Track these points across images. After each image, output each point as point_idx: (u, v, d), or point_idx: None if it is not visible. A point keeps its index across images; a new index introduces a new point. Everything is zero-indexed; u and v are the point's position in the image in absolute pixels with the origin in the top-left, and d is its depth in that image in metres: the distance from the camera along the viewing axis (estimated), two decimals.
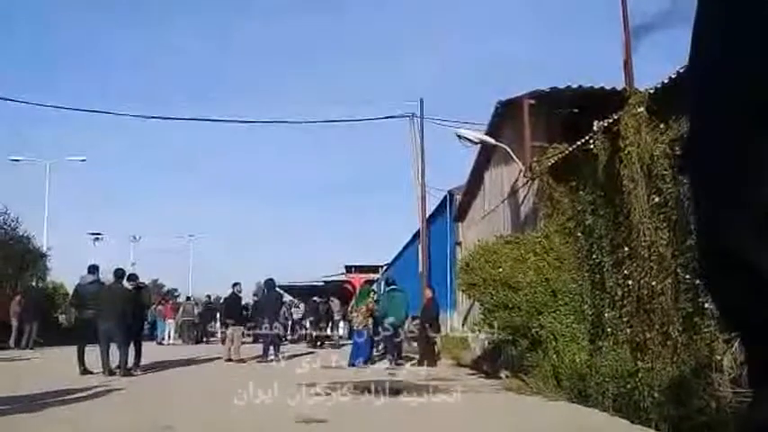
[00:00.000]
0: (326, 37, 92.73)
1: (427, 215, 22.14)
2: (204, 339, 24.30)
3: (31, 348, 19.40)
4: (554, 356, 8.75)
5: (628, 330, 7.54)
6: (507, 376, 10.12)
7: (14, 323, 20.32)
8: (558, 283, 9.33)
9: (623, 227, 7.78)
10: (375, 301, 15.85)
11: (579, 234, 9.23)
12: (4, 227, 24.34)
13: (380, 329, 15.50)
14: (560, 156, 10.01)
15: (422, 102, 22.34)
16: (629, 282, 7.55)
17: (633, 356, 7.18)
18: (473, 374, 12.21)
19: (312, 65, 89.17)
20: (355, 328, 15.32)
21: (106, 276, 13.16)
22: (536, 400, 8.40)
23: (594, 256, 8.70)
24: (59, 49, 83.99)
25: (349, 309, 22.31)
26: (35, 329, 20.21)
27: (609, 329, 8.07)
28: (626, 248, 7.68)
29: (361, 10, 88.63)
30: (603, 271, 8.39)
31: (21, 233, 24.99)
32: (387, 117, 22.57)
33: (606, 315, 8.24)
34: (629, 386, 6.85)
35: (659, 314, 6.86)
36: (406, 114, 22.26)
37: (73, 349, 12.13)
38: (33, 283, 24.70)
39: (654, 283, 6.98)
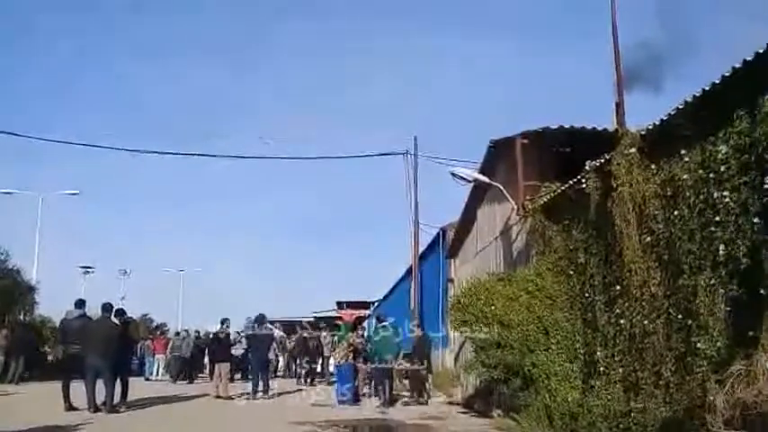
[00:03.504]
0: (324, 74, 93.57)
1: (420, 251, 22.16)
2: (193, 375, 23.95)
3: (17, 383, 19.08)
4: (546, 395, 8.71)
5: (620, 369, 7.52)
6: (499, 415, 10.04)
7: (0, 358, 20.00)
8: (550, 321, 9.32)
9: (615, 266, 7.81)
10: (362, 337, 15.80)
11: (571, 272, 9.25)
12: None
13: (371, 366, 15.41)
14: (553, 194, 10.09)
15: (416, 139, 22.55)
16: (622, 321, 7.55)
17: (626, 396, 7.16)
18: (465, 413, 12.11)
19: (308, 101, 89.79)
20: (336, 363, 15.20)
21: (95, 311, 13.00)
22: None
23: (587, 295, 8.71)
24: (61, 82, 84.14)
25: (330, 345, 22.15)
26: (22, 364, 19.85)
27: (601, 368, 8.03)
28: (618, 287, 7.71)
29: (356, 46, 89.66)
30: (596, 309, 8.39)
31: (10, 266, 24.82)
32: (381, 154, 22.74)
33: (598, 354, 8.21)
34: (621, 426, 6.82)
35: (652, 354, 6.85)
36: (400, 152, 22.45)
37: (59, 385, 11.96)
38: (21, 317, 24.41)
39: (646, 323, 6.99)
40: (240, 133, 75.47)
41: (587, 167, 8.54)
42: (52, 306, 24.56)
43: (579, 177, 8.78)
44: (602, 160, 8.05)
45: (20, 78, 79.75)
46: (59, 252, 76.04)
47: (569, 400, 8.26)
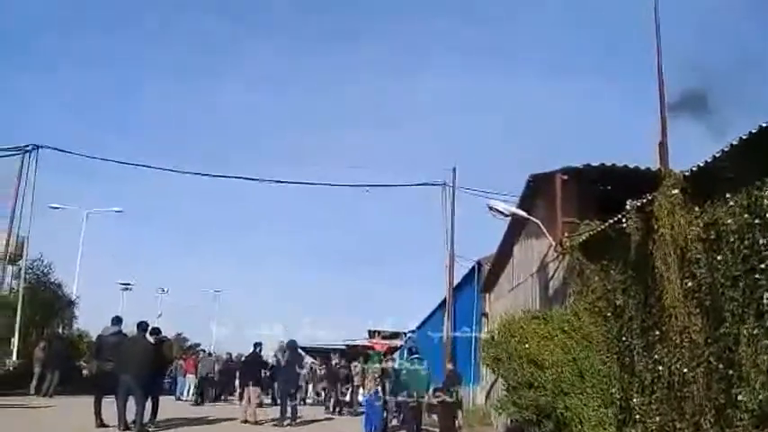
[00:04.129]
0: (363, 103, 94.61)
1: (455, 284, 21.96)
2: (223, 398, 23.98)
3: (51, 396, 19.34)
4: None
5: (657, 418, 7.26)
6: None
7: (37, 370, 20.27)
8: (585, 363, 9.06)
9: (655, 309, 7.59)
10: (392, 369, 15.59)
11: (609, 314, 9.02)
12: (37, 273, 24.67)
13: (400, 399, 15.17)
14: (592, 233, 9.90)
15: (455, 171, 22.55)
16: (660, 367, 7.31)
17: None
18: None
19: (344, 133, 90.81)
20: (365, 394, 15.04)
21: (132, 328, 13.14)
22: None
23: (624, 338, 8.46)
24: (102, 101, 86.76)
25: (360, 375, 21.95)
26: (57, 377, 20.14)
27: (637, 416, 7.77)
28: (657, 332, 7.48)
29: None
30: (633, 354, 8.15)
31: (52, 280, 25.31)
32: (419, 184, 22.82)
33: (635, 400, 7.95)
34: None
35: (691, 403, 6.60)
36: (438, 183, 22.45)
37: (92, 400, 12.05)
38: (60, 331, 24.78)
39: (685, 370, 6.75)
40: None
41: (628, 207, 8.36)
42: (90, 321, 24.98)
43: (620, 216, 8.60)
44: (644, 200, 7.87)
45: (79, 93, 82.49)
46: (100, 268, 77.45)
47: None
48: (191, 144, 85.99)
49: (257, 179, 28.00)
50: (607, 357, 8.90)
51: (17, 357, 21.52)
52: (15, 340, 21.92)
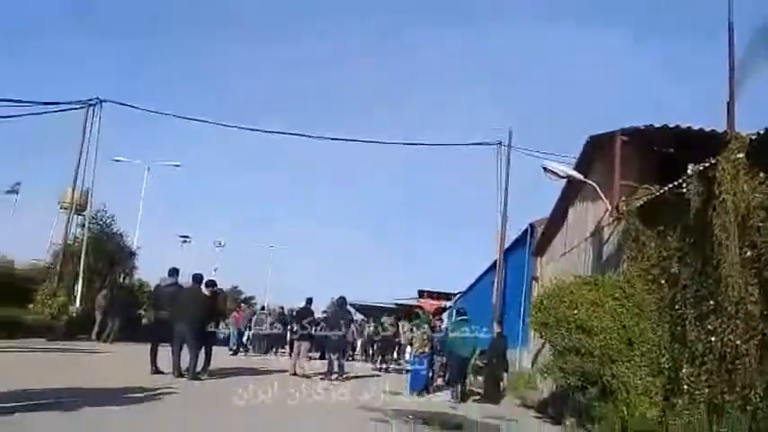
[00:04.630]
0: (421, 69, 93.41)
1: (506, 246, 21.69)
2: (274, 350, 24.51)
3: (111, 342, 20.16)
4: (624, 409, 8.24)
5: (706, 390, 7.00)
6: (572, 424, 9.61)
7: (98, 316, 21.16)
8: (635, 331, 8.79)
9: (711, 279, 7.27)
10: (440, 329, 15.59)
11: (663, 282, 8.70)
12: (100, 223, 25.50)
13: (445, 359, 15.19)
14: (650, 197, 9.52)
15: (510, 132, 22.09)
16: (713, 338, 7.02)
17: (709, 419, 6.65)
18: (537, 417, 11.71)
19: (406, 96, 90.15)
20: (414, 354, 15.08)
21: (188, 279, 13.45)
22: None
23: (677, 307, 8.16)
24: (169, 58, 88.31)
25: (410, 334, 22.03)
26: (117, 324, 21.00)
27: (686, 387, 7.52)
28: (711, 302, 7.17)
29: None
30: (686, 323, 7.86)
31: (114, 230, 26.16)
32: (474, 143, 22.51)
33: (684, 371, 7.69)
34: None
35: (742, 376, 6.33)
36: (493, 142, 22.06)
37: (149, 347, 12.47)
38: (121, 280, 25.69)
39: (738, 343, 6.47)
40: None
41: (690, 171, 7.98)
42: (151, 271, 25.77)
43: (680, 181, 8.23)
44: (707, 164, 7.49)
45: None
46: (160, 220, 79.95)
47: (648, 416, 7.78)
48: (256, 100, 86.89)
49: (312, 136, 28.19)
50: (658, 326, 8.62)
51: (80, 304, 22.45)
52: (79, 288, 22.85)
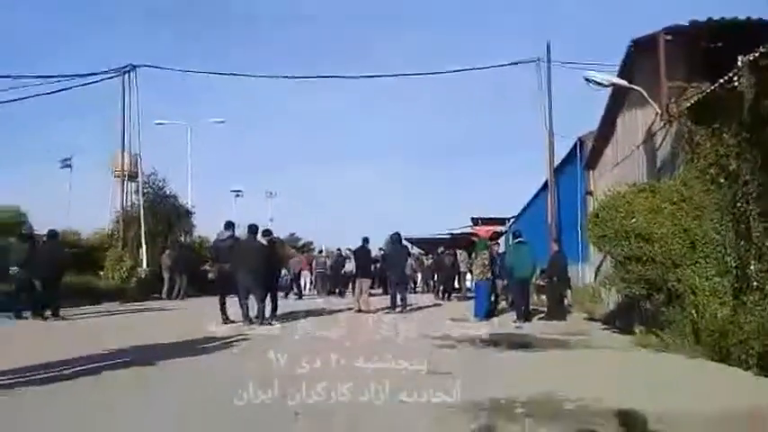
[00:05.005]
0: None
1: (556, 164, 21.39)
2: (336, 291, 25.10)
3: (183, 299, 21.04)
4: (693, 312, 8.22)
5: None
6: (642, 332, 9.66)
7: (166, 276, 22.05)
8: (697, 233, 8.67)
9: None
10: (498, 254, 15.68)
11: (722, 180, 8.48)
12: (153, 187, 26.15)
13: (506, 282, 15.33)
14: (701, 95, 9.20)
15: (548, 46, 21.45)
16: None
17: None
18: (605, 329, 11.80)
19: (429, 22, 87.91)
20: (474, 280, 15.21)
21: (244, 231, 13.79)
22: (673, 358, 7.99)
23: (739, 204, 7.98)
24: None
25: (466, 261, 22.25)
26: (185, 281, 21.92)
27: (755, 283, 7.43)
28: None
29: None
30: (750, 220, 7.69)
31: (168, 192, 26.80)
32: (512, 63, 21.93)
33: (752, 268, 7.59)
34: None
35: None
36: (531, 59, 21.49)
37: (217, 300, 12.96)
38: (181, 239, 26.47)
39: None
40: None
41: (740, 63, 7.68)
42: (209, 227, 26.43)
43: (731, 75, 7.93)
44: (757, 54, 7.18)
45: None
46: (212, 177, 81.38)
47: (718, 316, 7.74)
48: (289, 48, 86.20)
49: (350, 76, 28.02)
50: (720, 226, 8.45)
51: (147, 266, 23.33)
52: (143, 251, 23.70)
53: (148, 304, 18.89)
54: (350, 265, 22.73)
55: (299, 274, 24.84)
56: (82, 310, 15.41)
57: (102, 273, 21.97)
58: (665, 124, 10.79)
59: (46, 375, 6.59)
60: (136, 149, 25.42)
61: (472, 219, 32.24)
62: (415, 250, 30.20)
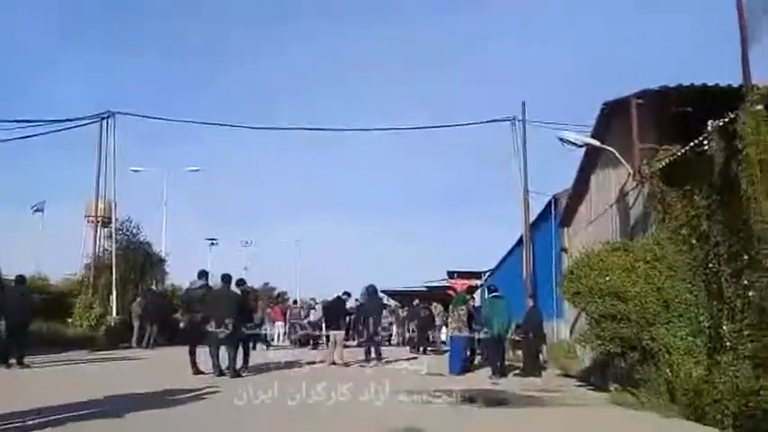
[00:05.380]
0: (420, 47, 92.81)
1: (531, 220, 21.67)
2: (311, 342, 24.80)
3: (152, 348, 20.61)
4: (667, 371, 8.28)
5: (749, 345, 7.00)
6: (617, 389, 9.68)
7: (136, 324, 21.65)
8: (671, 292, 8.80)
9: (742, 234, 7.25)
10: (473, 308, 15.69)
11: (694, 241, 8.68)
12: (127, 233, 25.90)
13: (482, 336, 15.30)
14: (672, 158, 9.48)
15: (524, 105, 21.99)
16: (751, 293, 7.02)
17: (755, 373, 6.65)
18: (580, 386, 11.80)
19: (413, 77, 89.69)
20: (450, 334, 15.17)
21: (217, 281, 13.67)
22: (648, 416, 8.00)
23: (711, 265, 8.15)
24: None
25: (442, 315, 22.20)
26: (155, 330, 21.49)
27: (728, 343, 7.52)
28: (746, 257, 7.16)
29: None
30: (721, 280, 7.84)
31: (141, 239, 26.54)
32: (488, 121, 22.42)
33: (725, 328, 7.69)
34: (750, 405, 6.39)
35: None
36: (507, 118, 21.98)
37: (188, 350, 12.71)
38: (153, 286, 26.11)
39: None
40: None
41: (709, 128, 7.95)
42: (182, 275, 26.13)
43: (701, 138, 8.20)
44: (726, 119, 7.46)
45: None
46: (186, 225, 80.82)
47: (693, 375, 7.80)
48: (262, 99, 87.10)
49: (325, 128, 28.38)
50: (693, 285, 8.61)
51: (117, 314, 22.91)
52: (114, 298, 23.31)
53: (117, 353, 18.50)
54: (314, 315, 22.74)
55: (273, 324, 24.58)
56: (48, 359, 15.00)
57: (70, 320, 21.50)
58: (637, 185, 11.04)
59: (6, 428, 6.38)
60: (110, 195, 25.27)
61: (448, 272, 32.36)
62: (390, 302, 30.10)
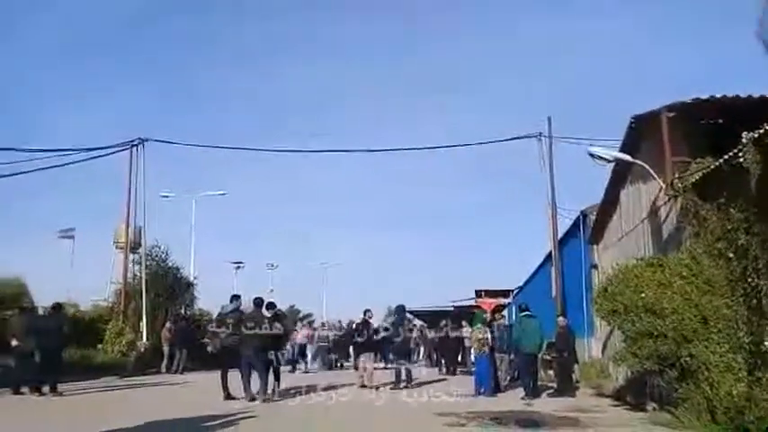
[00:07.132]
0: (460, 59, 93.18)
1: (560, 236, 21.43)
2: (338, 364, 24.69)
3: (181, 373, 20.62)
4: (707, 388, 8.05)
5: None
6: (654, 408, 9.46)
7: (166, 349, 21.71)
8: (708, 308, 8.59)
9: None
10: (505, 327, 15.47)
11: (731, 255, 8.47)
12: (156, 259, 26.12)
13: (513, 357, 15.05)
14: (705, 171, 9.32)
15: (549, 120, 21.85)
16: None
17: None
18: (616, 405, 11.54)
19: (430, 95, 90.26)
20: (474, 355, 14.92)
21: (248, 304, 13.72)
22: None
23: (750, 280, 7.94)
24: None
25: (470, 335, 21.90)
26: (185, 355, 21.49)
27: None
28: None
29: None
30: (761, 295, 7.65)
31: (170, 264, 26.75)
32: (513, 138, 22.28)
33: (766, 344, 7.49)
34: None
35: None
36: (533, 134, 21.85)
37: (219, 374, 12.70)
38: (183, 311, 26.23)
39: None
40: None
41: (744, 139, 7.80)
42: (210, 300, 26.20)
43: (736, 151, 8.04)
44: (762, 131, 7.31)
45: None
46: (214, 249, 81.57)
47: (734, 393, 7.58)
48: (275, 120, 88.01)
49: (351, 150, 28.53)
50: (732, 301, 8.39)
51: (147, 339, 23.02)
52: (144, 324, 23.45)
53: (147, 379, 18.55)
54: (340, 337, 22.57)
55: (305, 347, 24.49)
56: (80, 386, 15.07)
57: (100, 346, 21.64)
58: (669, 199, 10.86)
59: None
60: (140, 221, 25.55)
61: (476, 291, 32.09)
62: (417, 322, 29.88)
